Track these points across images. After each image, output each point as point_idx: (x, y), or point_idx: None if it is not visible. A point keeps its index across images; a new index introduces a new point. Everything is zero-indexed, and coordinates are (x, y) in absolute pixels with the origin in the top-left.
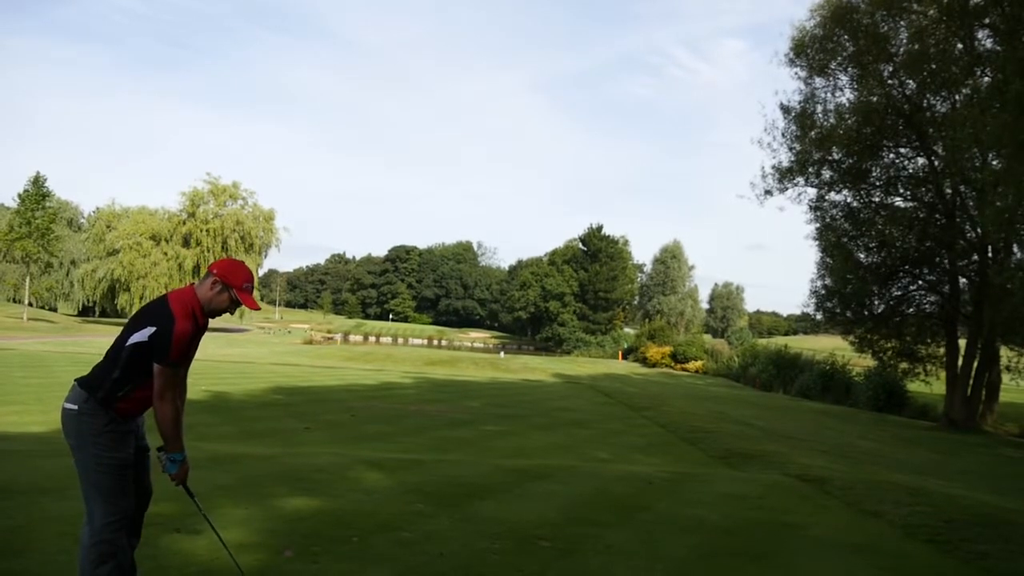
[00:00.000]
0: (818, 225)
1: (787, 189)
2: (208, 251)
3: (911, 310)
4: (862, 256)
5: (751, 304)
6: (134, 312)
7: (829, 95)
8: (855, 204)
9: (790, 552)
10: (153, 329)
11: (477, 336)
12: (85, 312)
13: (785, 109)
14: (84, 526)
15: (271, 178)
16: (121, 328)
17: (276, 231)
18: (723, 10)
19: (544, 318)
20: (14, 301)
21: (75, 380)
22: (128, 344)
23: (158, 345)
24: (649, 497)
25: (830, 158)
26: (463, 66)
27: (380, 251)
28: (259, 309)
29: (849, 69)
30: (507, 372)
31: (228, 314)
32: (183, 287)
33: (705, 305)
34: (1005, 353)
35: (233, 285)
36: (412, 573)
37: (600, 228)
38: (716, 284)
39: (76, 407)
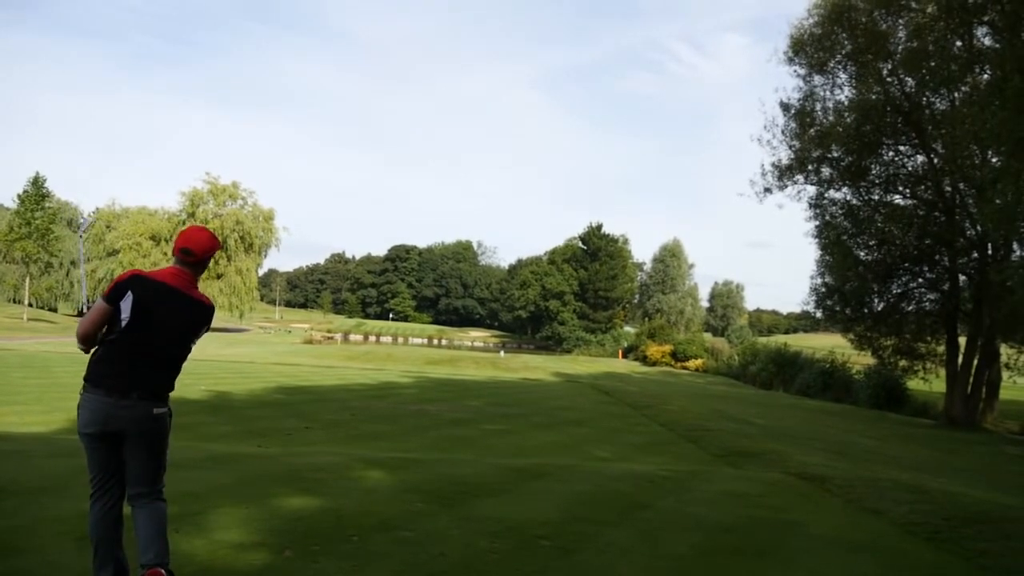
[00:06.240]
0: (818, 223)
1: (787, 187)
2: None
3: (911, 308)
4: (862, 254)
5: (751, 302)
6: None
7: (828, 93)
8: (855, 202)
9: (790, 550)
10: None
11: (477, 335)
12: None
13: (784, 107)
14: (158, 502)
15: (270, 176)
16: None
17: (276, 231)
18: (724, 5)
19: (544, 317)
20: (14, 302)
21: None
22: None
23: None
24: (649, 495)
25: (829, 156)
26: (463, 62)
27: (380, 250)
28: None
29: (848, 67)
30: (507, 371)
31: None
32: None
33: (705, 303)
34: (1005, 351)
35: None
36: (412, 572)
37: (600, 227)
38: (716, 282)
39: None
